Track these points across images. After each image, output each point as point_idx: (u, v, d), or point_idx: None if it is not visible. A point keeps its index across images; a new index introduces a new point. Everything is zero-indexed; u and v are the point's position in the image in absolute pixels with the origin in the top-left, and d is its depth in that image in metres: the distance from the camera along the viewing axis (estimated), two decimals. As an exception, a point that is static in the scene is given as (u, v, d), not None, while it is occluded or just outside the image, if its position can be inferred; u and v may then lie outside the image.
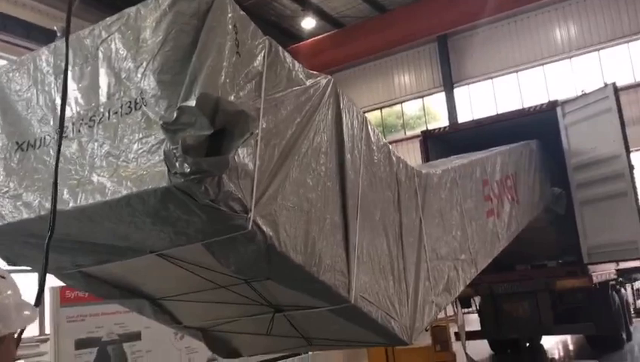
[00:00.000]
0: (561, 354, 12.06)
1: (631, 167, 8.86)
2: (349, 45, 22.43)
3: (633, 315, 13.17)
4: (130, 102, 2.50)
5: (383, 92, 24.40)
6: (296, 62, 2.99)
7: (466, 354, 8.77)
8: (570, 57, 20.76)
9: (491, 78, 22.32)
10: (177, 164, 2.12)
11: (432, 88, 23.60)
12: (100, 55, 2.67)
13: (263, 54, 2.65)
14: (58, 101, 2.73)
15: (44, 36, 15.91)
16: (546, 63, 21.20)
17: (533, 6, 20.73)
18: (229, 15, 2.47)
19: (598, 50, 20.27)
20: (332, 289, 3.05)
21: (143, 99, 2.45)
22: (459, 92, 22.96)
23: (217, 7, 2.42)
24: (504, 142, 8.58)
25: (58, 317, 5.87)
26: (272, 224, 2.59)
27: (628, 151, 8.87)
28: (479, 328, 10.55)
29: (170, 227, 2.48)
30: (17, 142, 2.85)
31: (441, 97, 23.32)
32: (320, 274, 2.94)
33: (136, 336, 6.52)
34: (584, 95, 9.95)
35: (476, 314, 10.94)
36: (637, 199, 8.81)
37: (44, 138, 2.78)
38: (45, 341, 10.77)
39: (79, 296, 6.05)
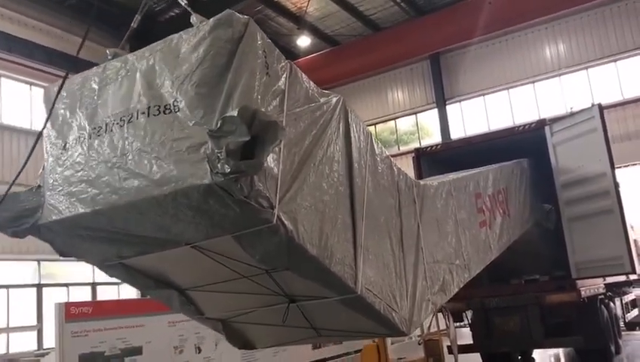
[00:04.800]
0: (552, 367, 12.26)
1: (616, 185, 9.06)
2: (343, 63, 22.78)
3: (622, 329, 13.38)
4: (158, 106, 2.85)
5: (376, 108, 24.72)
6: (311, 82, 3.40)
7: (459, 367, 8.97)
8: (560, 75, 21.15)
9: (483, 94, 22.67)
10: (219, 165, 2.46)
11: (424, 105, 23.93)
12: (141, 67, 3.05)
13: (285, 75, 3.07)
14: (94, 106, 3.16)
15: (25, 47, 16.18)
16: (536, 81, 21.59)
17: (523, 25, 21.15)
18: (259, 42, 2.87)
19: (587, 68, 20.67)
20: (342, 280, 3.41)
21: (175, 105, 2.81)
22: (451, 108, 23.29)
23: (249, 34, 2.82)
24: (495, 160, 8.85)
25: (63, 332, 6.05)
26: (293, 220, 2.95)
27: (613, 170, 9.07)
28: (471, 342, 10.71)
29: (208, 220, 2.82)
30: (62, 144, 3.24)
31: (433, 113, 23.64)
32: (331, 266, 3.30)
33: (137, 351, 6.71)
34: (571, 115, 10.23)
35: (468, 328, 11.11)
36: (623, 216, 9.02)
37: (80, 136, 3.15)
38: (44, 355, 10.89)
39: (84, 311, 6.26)
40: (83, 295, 17.31)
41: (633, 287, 15.59)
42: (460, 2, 21.12)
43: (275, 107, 2.93)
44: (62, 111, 3.32)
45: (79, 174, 3.08)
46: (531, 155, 9.96)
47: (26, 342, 15.54)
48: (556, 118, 11.90)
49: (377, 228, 4.03)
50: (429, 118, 24.13)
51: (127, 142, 2.91)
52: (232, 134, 2.44)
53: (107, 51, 3.41)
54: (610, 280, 11.26)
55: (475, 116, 22.70)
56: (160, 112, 2.84)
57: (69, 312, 6.17)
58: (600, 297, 10.61)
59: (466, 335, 11.38)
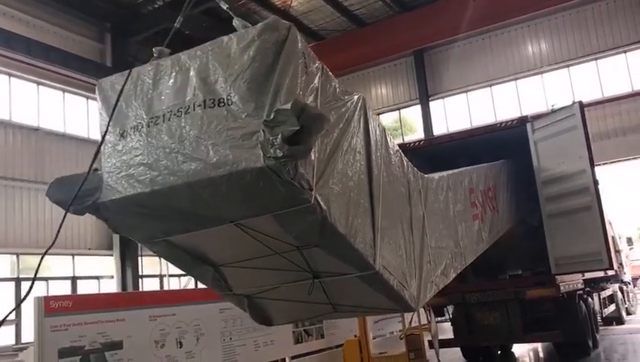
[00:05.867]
0: (532, 360, 12.41)
1: (596, 182, 9.16)
2: (327, 58, 22.40)
3: (600, 323, 13.60)
4: (213, 100, 3.20)
5: (360, 103, 24.73)
6: (337, 81, 3.77)
7: (439, 361, 9.02)
8: (542, 73, 21.35)
9: (466, 91, 22.81)
10: (272, 150, 2.84)
11: (408, 100, 24.01)
12: (195, 65, 3.37)
13: (319, 75, 3.44)
14: (150, 98, 3.49)
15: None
16: (518, 78, 21.78)
17: (506, 23, 21.30)
18: (299, 45, 3.26)
19: (568, 66, 20.90)
20: (363, 257, 3.83)
21: (228, 99, 3.16)
22: (434, 104, 23.40)
23: (291, 38, 3.19)
24: (477, 156, 9.10)
25: (42, 327, 5.96)
26: (326, 201, 3.34)
27: (593, 167, 9.17)
28: (452, 336, 10.81)
29: (255, 200, 3.22)
30: (120, 132, 3.56)
31: (417, 109, 23.74)
32: (356, 244, 3.71)
33: (118, 345, 6.64)
34: (552, 112, 10.33)
35: (449, 323, 11.22)
36: (601, 212, 9.14)
37: (138, 125, 3.47)
38: (23, 349, 10.77)
39: (64, 306, 6.17)
40: (63, 289, 17.14)
41: (610, 283, 15.87)
42: (444, -1, 21.22)
43: (311, 102, 3.24)
44: (121, 106, 3.60)
45: (138, 158, 3.40)
46: (513, 152, 10.07)
47: (3, 337, 15.33)
48: (538, 115, 12.02)
49: (391, 214, 4.45)
50: (413, 114, 24.21)
51: (184, 131, 3.24)
52: (284, 124, 2.81)
53: (153, 49, 3.75)
54: (588, 275, 11.43)
55: (458, 112, 22.83)
56: (215, 105, 3.18)
57: (49, 306, 6.08)
58: (579, 292, 10.76)
59: (447, 330, 11.49)
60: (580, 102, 9.55)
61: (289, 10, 21.07)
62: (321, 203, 3.26)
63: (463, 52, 22.69)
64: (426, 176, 5.75)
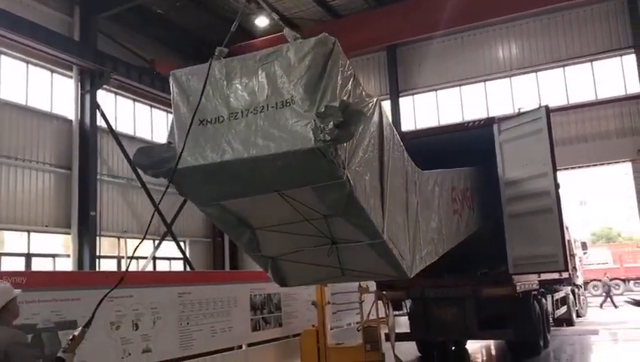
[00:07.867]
0: (484, 357, 12.67)
1: (557, 185, 9.37)
2: (301, 47, 22.53)
3: (551, 324, 13.97)
4: (282, 101, 4.10)
5: (330, 95, 24.68)
6: (362, 86, 4.68)
7: (395, 354, 9.11)
8: (510, 76, 21.67)
9: (435, 89, 23.00)
10: (321, 135, 3.80)
11: (378, 95, 24.03)
12: (262, 71, 4.25)
13: (351, 80, 4.33)
14: (227, 96, 4.31)
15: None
16: (487, 80, 22.05)
17: (479, 24, 21.52)
18: (341, 55, 4.20)
19: (536, 71, 21.26)
20: (375, 227, 4.81)
21: (292, 99, 4.07)
22: (404, 101, 23.54)
23: (336, 50, 4.17)
24: (445, 153, 9.41)
25: (-7, 302, 5.77)
26: (354, 179, 4.29)
27: (555, 171, 9.38)
28: (409, 330, 10.94)
29: (301, 173, 4.14)
30: (200, 120, 4.30)
31: (386, 105, 23.83)
32: (371, 216, 4.68)
33: (72, 325, 6.50)
34: (519, 115, 10.50)
35: (406, 317, 11.35)
36: (560, 215, 9.36)
37: (218, 117, 4.28)
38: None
39: (17, 282, 6.00)
40: (16, 266, 16.67)
41: (563, 286, 16.30)
42: (420, -4, 21.25)
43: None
44: (192, 93, 4.40)
45: (216, 140, 4.19)
46: (480, 152, 10.21)
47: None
48: (504, 116, 12.19)
49: (394, 198, 5.35)
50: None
51: (257, 123, 4.10)
52: (332, 116, 3.80)
53: (216, 49, 4.51)
54: (543, 277, 11.70)
55: (427, 110, 23.01)
56: (283, 105, 4.07)
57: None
58: (533, 293, 11.03)
59: (404, 324, 11.62)
60: (547, 107, 9.73)
61: (264, -5, 20.81)
62: (350, 180, 4.19)
63: (435, 50, 22.84)
64: (419, 170, 6.74)
